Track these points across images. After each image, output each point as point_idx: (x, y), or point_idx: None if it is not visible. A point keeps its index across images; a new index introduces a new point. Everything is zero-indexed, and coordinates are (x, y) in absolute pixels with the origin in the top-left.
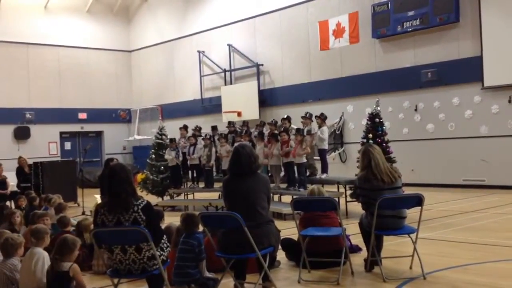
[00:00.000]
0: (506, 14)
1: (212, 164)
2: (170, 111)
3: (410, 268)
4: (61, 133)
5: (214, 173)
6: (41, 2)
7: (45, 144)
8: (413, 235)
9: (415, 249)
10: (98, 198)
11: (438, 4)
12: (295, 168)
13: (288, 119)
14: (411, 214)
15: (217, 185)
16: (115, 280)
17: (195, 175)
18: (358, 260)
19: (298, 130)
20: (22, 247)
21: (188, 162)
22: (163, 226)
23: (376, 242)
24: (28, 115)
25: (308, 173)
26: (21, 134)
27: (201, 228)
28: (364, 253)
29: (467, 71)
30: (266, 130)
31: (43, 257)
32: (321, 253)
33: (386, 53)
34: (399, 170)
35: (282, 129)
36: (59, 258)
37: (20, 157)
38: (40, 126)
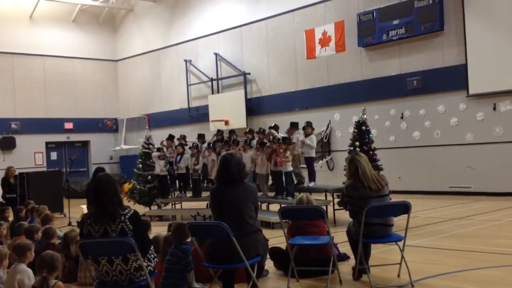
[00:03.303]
0: (489, 22)
1: (198, 168)
2: (157, 120)
3: (398, 275)
4: (47, 143)
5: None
6: (27, 12)
7: (30, 154)
8: (401, 243)
9: (402, 256)
10: (84, 208)
11: (423, 13)
12: (283, 176)
13: (275, 127)
14: (399, 221)
15: (205, 194)
16: None
17: (182, 184)
18: (346, 268)
19: (284, 138)
20: (7, 259)
21: (175, 172)
22: (150, 236)
23: (364, 250)
24: (13, 125)
25: (295, 182)
26: (7, 145)
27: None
28: (352, 261)
29: (452, 79)
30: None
31: (27, 275)
32: (309, 262)
33: (372, 61)
34: (386, 178)
35: (271, 139)
36: (45, 276)
37: (9, 168)
38: (26, 136)
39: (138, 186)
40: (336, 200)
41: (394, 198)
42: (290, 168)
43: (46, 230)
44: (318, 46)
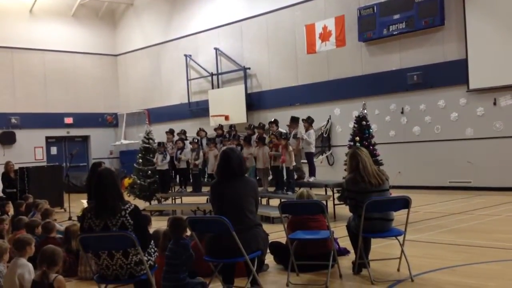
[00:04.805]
0: (490, 17)
1: (199, 163)
2: (157, 115)
3: (398, 270)
4: (47, 138)
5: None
6: (26, 6)
7: (31, 149)
8: (401, 237)
9: (402, 251)
10: (84, 203)
11: (423, 8)
12: (283, 171)
13: (276, 122)
14: (398, 216)
15: (205, 189)
16: (102, 286)
17: (182, 179)
18: (346, 262)
19: (281, 134)
20: (8, 253)
21: (176, 166)
22: (150, 231)
23: (364, 245)
24: (13, 120)
25: (296, 177)
26: (7, 139)
27: (189, 232)
28: (352, 255)
29: (453, 73)
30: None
31: (28, 269)
32: (309, 256)
33: (373, 56)
34: (386, 173)
35: (271, 133)
36: (45, 271)
37: (8, 163)
38: (26, 131)
39: (138, 181)
40: (336, 195)
41: (394, 193)
42: (293, 163)
43: (45, 224)
44: (318, 41)
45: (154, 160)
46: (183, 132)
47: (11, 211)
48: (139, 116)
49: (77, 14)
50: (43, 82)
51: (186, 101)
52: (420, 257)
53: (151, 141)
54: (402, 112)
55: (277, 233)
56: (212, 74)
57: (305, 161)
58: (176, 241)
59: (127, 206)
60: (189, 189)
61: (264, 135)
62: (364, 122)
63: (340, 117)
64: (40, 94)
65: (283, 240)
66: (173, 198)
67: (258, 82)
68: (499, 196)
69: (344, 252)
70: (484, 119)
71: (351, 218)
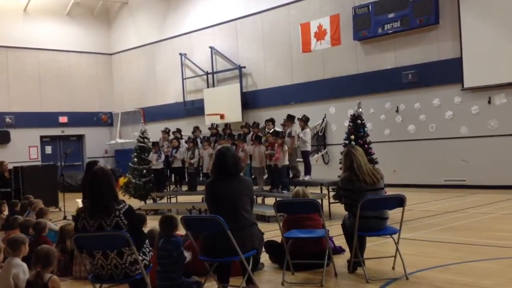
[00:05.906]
0: (485, 16)
1: (194, 162)
2: (152, 114)
3: (393, 268)
4: (42, 137)
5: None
6: (21, 5)
7: (25, 148)
8: (396, 236)
9: (397, 249)
10: (79, 202)
11: (418, 6)
12: (279, 170)
13: (272, 121)
14: (393, 214)
15: (201, 188)
16: (97, 286)
17: (178, 178)
18: (341, 261)
19: (277, 133)
20: (2, 253)
21: (172, 165)
22: (145, 230)
23: (359, 243)
24: (8, 119)
25: (291, 175)
26: (1, 139)
27: (184, 231)
28: (347, 254)
29: (447, 72)
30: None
31: (22, 269)
32: (304, 255)
33: (367, 55)
34: (381, 171)
35: (267, 132)
36: (40, 271)
37: (2, 162)
38: (20, 130)
39: (133, 180)
40: (332, 193)
41: (389, 192)
42: (286, 162)
43: (35, 224)
44: (313, 40)
45: (149, 158)
46: (178, 131)
47: (6, 211)
48: (134, 115)
49: (71, 13)
50: (38, 81)
51: (181, 100)
52: (415, 255)
53: (146, 140)
54: (397, 111)
55: (272, 232)
56: (207, 73)
57: (301, 159)
58: (166, 239)
59: (122, 206)
60: (185, 188)
61: (260, 134)
62: (359, 121)
63: (335, 115)
64: (35, 93)
65: (279, 239)
66: (169, 197)
67: (254, 81)
68: (494, 194)
69: (339, 250)
70: (479, 117)
71: (346, 217)
